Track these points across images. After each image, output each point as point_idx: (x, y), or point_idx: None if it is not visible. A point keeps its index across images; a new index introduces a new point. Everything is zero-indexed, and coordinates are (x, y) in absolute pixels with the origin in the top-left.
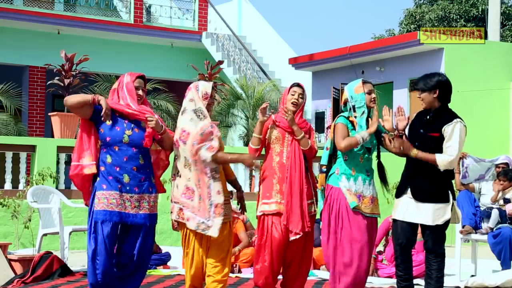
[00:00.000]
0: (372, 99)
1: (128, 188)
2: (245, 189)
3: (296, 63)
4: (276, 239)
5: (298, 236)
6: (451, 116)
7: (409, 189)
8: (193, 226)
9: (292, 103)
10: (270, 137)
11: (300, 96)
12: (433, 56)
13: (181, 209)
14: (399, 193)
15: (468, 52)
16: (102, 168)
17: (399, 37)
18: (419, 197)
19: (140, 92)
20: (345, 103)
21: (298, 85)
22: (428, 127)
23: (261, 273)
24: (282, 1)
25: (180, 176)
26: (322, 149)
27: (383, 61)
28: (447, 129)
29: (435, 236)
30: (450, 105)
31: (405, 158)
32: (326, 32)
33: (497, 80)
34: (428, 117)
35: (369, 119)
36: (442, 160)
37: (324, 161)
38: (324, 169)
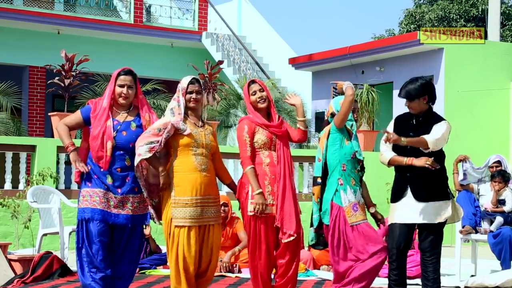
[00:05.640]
0: (354, 117)
1: (112, 188)
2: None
3: (296, 63)
4: (270, 238)
5: (292, 238)
6: (438, 117)
7: (408, 191)
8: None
9: (259, 102)
10: (257, 142)
11: (260, 90)
12: (433, 56)
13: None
14: (397, 197)
15: (468, 52)
16: (90, 167)
17: (399, 37)
18: (420, 196)
19: (125, 90)
20: (332, 116)
21: (253, 81)
22: (418, 130)
23: (257, 270)
24: (282, 1)
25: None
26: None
27: (383, 61)
28: (435, 126)
29: (434, 234)
30: (450, 105)
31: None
32: (326, 32)
33: (497, 80)
34: (414, 121)
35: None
36: (430, 138)
37: (318, 172)
38: (319, 181)
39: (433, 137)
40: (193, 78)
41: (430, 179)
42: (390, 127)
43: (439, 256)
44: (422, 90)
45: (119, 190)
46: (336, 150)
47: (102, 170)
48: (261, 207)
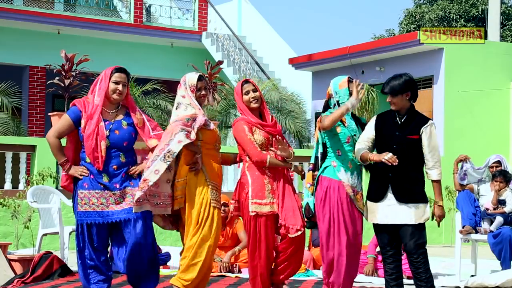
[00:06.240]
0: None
1: (109, 186)
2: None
3: (296, 63)
4: (270, 238)
5: (299, 233)
6: (423, 117)
7: (389, 192)
8: (159, 212)
9: (252, 102)
10: (255, 143)
11: (254, 90)
12: (433, 56)
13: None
14: (379, 197)
15: (468, 52)
16: (84, 167)
17: (399, 37)
18: (403, 198)
19: (120, 87)
20: (330, 98)
21: (247, 81)
22: (405, 130)
23: (257, 269)
24: (282, 1)
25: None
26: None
27: (383, 61)
28: (425, 132)
29: (418, 235)
30: (450, 105)
31: None
32: (326, 32)
33: (497, 80)
34: (398, 119)
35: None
36: (439, 174)
37: (312, 159)
38: (310, 166)
39: (436, 163)
40: (200, 75)
41: (412, 181)
42: (371, 125)
43: (427, 255)
44: (406, 86)
45: (117, 186)
46: (332, 137)
47: (97, 170)
48: (300, 169)
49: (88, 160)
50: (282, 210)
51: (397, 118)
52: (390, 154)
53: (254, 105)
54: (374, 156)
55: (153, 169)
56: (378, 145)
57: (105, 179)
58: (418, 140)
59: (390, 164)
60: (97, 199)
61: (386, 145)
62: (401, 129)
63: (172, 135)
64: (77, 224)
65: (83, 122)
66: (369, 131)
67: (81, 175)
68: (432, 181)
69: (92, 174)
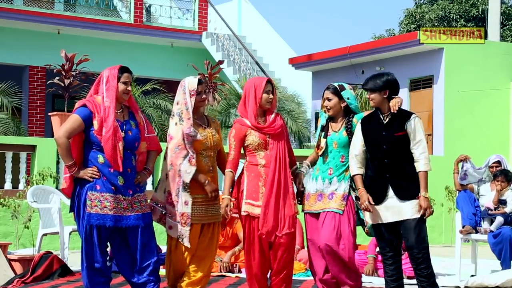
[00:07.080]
0: (323, 106)
1: (122, 190)
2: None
3: (296, 63)
4: (264, 239)
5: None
6: (406, 112)
7: (390, 192)
8: (175, 235)
9: (268, 102)
10: (252, 144)
11: (273, 93)
12: (433, 56)
13: (164, 215)
14: (379, 199)
15: (468, 52)
16: (95, 168)
17: (399, 37)
18: (403, 195)
19: (129, 87)
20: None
21: (270, 82)
22: (390, 129)
23: (252, 270)
24: (282, 1)
25: (166, 179)
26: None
27: (383, 61)
28: (409, 125)
29: (419, 229)
30: (450, 105)
31: None
32: (326, 32)
33: (497, 80)
34: (383, 119)
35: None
36: (425, 165)
37: None
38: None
39: (422, 154)
40: (199, 79)
41: (408, 178)
42: (359, 132)
43: (428, 250)
44: (385, 84)
45: (130, 191)
46: None
47: (112, 171)
48: (223, 210)
49: (100, 160)
50: (261, 215)
51: (382, 118)
52: (365, 204)
53: (267, 106)
54: (361, 194)
55: (182, 202)
56: (367, 148)
57: (120, 181)
58: (405, 135)
59: (362, 209)
60: (109, 203)
61: (375, 146)
62: (387, 128)
63: (178, 166)
64: (86, 226)
65: (95, 123)
66: (358, 139)
67: (91, 177)
68: (419, 172)
69: (104, 176)
